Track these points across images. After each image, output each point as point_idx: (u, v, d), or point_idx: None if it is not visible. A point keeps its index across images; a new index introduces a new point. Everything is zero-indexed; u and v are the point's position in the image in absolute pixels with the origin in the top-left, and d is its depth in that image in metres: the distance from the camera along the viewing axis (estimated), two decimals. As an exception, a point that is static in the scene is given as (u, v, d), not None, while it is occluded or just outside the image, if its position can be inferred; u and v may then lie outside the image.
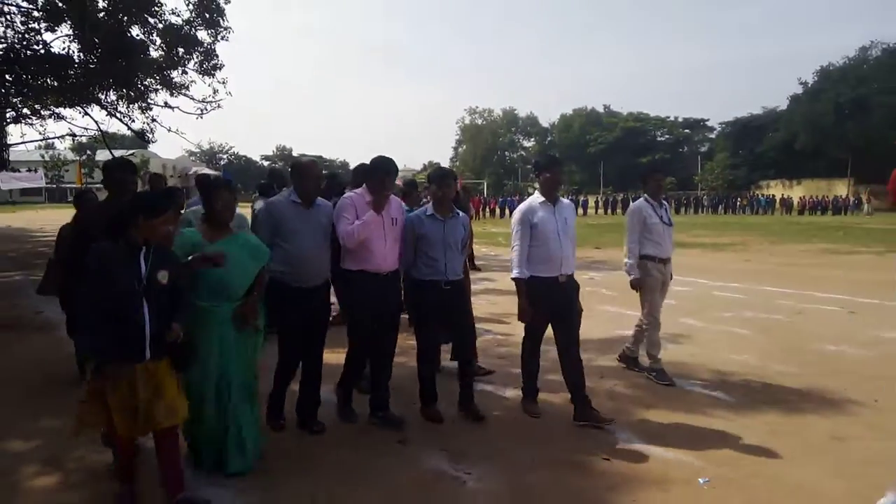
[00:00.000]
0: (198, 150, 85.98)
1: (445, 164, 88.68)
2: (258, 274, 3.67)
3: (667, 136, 79.53)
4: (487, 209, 43.52)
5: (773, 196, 52.68)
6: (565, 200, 4.64)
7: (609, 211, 47.19)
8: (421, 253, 4.36)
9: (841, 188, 53.77)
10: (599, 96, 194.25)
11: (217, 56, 17.92)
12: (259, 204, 7.02)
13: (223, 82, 18.61)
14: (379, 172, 4.15)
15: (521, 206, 4.59)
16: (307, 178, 4.11)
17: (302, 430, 4.18)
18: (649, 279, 5.33)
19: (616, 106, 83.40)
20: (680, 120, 79.92)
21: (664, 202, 5.59)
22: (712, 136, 77.73)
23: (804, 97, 60.45)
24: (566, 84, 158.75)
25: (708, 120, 78.86)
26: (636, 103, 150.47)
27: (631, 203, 5.70)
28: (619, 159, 71.05)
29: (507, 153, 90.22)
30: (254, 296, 3.64)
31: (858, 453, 3.90)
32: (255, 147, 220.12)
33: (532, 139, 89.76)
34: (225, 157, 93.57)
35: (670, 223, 5.51)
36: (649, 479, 3.54)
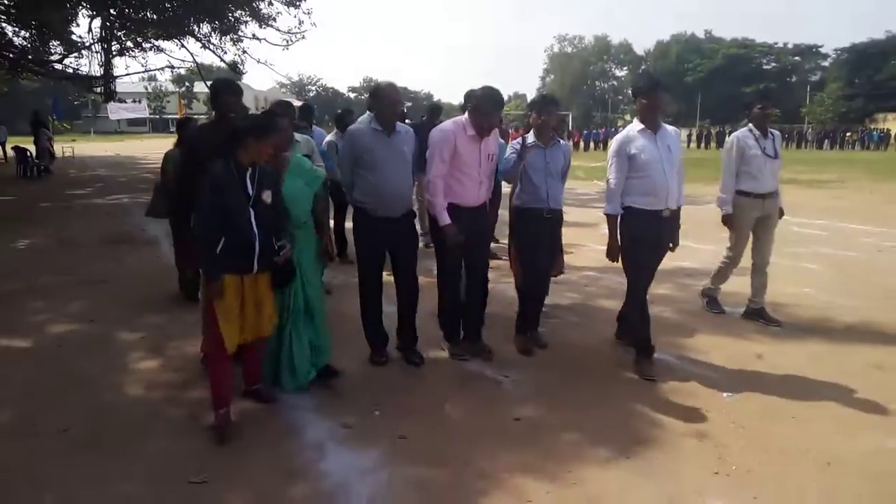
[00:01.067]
0: (288, 81, 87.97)
1: (531, 95, 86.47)
2: (317, 199, 3.82)
3: (774, 64, 73.70)
4: (571, 142, 42.56)
5: (889, 130, 48.24)
6: (669, 127, 4.22)
7: (703, 145, 44.94)
8: (522, 180, 4.32)
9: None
10: (701, 20, 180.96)
11: (302, -14, 18.31)
12: (332, 136, 7.25)
13: (308, 13, 19.05)
14: (486, 105, 3.97)
15: (618, 136, 4.28)
16: (387, 102, 3.95)
17: (404, 360, 4.22)
18: (741, 216, 5.03)
19: (719, 31, 77.88)
20: (790, 46, 73.64)
21: (772, 133, 5.12)
22: (826, 64, 71.38)
23: (938, 18, 54.01)
24: (665, 7, 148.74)
25: (822, 46, 72.24)
26: (741, 28, 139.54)
27: (727, 137, 5.22)
28: (720, 89, 66.76)
29: (597, 83, 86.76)
30: (329, 232, 3.81)
31: (894, 382, 3.95)
32: (343, 79, 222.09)
33: (625, 68, 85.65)
34: (313, 88, 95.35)
35: (776, 155, 5.04)
36: (676, 391, 3.78)
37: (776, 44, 73.81)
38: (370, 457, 3.04)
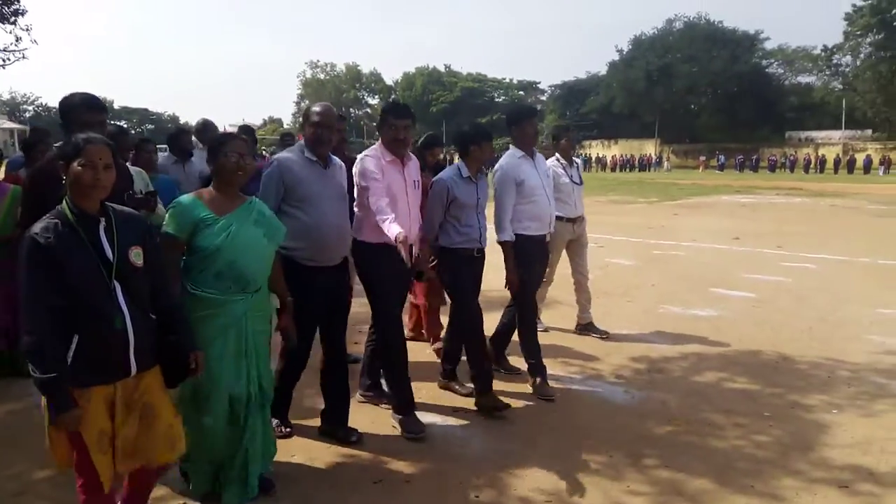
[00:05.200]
0: (-8, 100, 75.94)
1: (287, 120, 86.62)
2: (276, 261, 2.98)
3: (503, 98, 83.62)
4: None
5: (590, 155, 58.11)
6: (539, 154, 4.38)
7: (447, 168, 49.45)
8: (451, 219, 3.97)
9: (650, 147, 60.42)
10: (440, 55, 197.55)
11: (18, 1, 16.78)
12: (164, 158, 5.81)
13: (27, 29, 17.45)
14: (393, 114, 3.65)
15: (503, 164, 4.26)
16: (325, 127, 3.33)
17: (329, 439, 3.57)
18: (555, 239, 5.16)
19: (456, 66, 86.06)
20: (515, 82, 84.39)
21: (576, 161, 5.58)
22: (544, 98, 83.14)
23: (620, 64, 66.49)
24: (408, 41, 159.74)
25: (540, 82, 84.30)
26: (474, 64, 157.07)
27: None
28: (460, 118, 73.21)
29: (352, 110, 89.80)
30: (289, 303, 3.08)
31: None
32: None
33: (376, 96, 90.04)
34: (31, 108, 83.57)
35: (580, 182, 5.50)
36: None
37: (504, 79, 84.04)
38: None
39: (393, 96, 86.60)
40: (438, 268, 4.09)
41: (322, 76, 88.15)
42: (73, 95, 3.00)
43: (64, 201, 2.18)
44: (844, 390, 4.43)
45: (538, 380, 4.27)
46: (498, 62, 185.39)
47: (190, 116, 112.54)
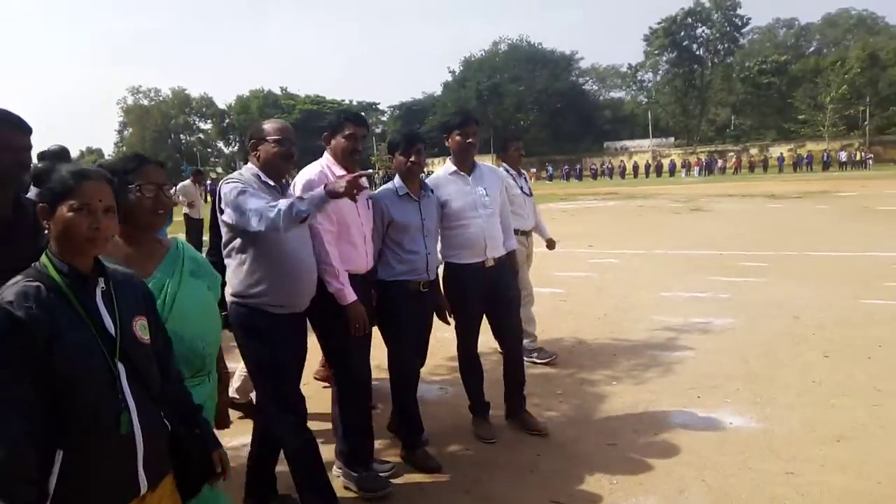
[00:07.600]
0: None
1: (109, 149, 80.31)
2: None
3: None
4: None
5: (432, 171, 59.99)
6: (484, 165, 3.83)
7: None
8: (392, 244, 3.39)
9: (487, 162, 63.27)
10: (275, 79, 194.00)
11: None
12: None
13: None
14: (347, 121, 3.17)
15: (428, 181, 3.74)
16: (282, 143, 2.80)
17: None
18: (517, 255, 4.61)
19: (293, 88, 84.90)
20: (355, 103, 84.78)
21: (522, 172, 5.27)
22: (384, 118, 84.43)
23: (454, 84, 69.67)
24: (240, 64, 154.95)
25: (379, 103, 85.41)
26: (312, 87, 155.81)
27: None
28: (300, 142, 71.54)
29: (182, 136, 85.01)
30: (227, 374, 2.43)
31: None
32: None
33: (209, 121, 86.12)
34: None
35: (530, 193, 5.17)
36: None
37: (343, 101, 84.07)
38: None
39: (227, 120, 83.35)
40: (378, 306, 3.40)
41: (146, 102, 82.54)
42: None
43: (45, 256, 1.58)
44: (624, 364, 5.09)
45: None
46: (336, 85, 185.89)
47: None
